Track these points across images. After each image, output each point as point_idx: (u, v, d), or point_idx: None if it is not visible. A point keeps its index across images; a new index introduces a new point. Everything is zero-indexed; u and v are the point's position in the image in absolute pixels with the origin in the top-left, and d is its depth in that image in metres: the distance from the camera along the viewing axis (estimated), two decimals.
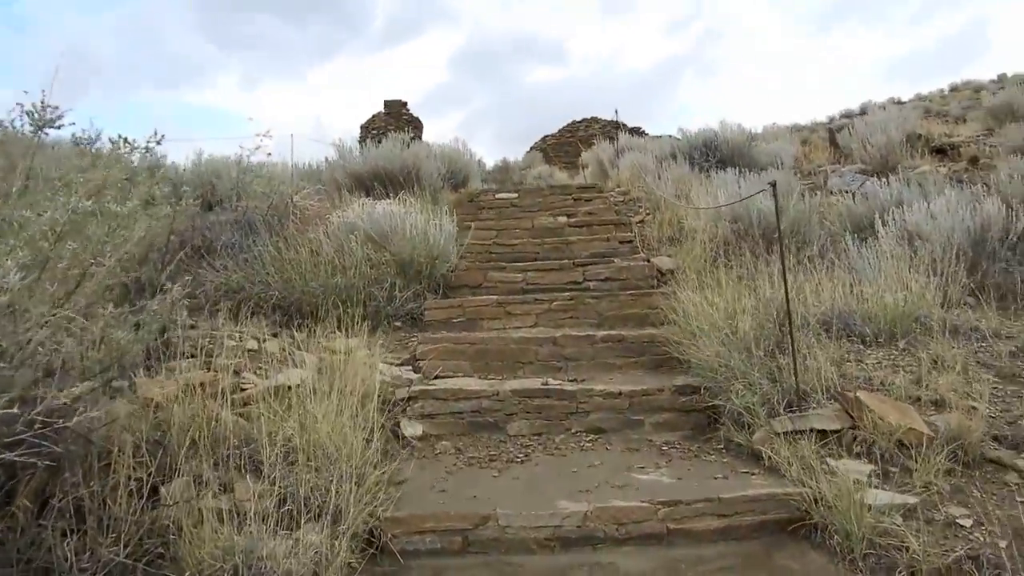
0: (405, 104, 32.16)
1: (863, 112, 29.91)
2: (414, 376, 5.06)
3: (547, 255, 7.20)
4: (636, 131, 33.23)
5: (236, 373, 4.26)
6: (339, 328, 5.80)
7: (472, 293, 6.56)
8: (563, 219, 8.29)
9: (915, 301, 5.08)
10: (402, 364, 5.40)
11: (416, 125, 32.66)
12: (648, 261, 6.73)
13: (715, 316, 4.89)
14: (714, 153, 10.91)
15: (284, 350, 4.69)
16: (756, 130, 27.83)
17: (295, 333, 5.68)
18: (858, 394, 3.75)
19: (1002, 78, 29.12)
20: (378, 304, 6.11)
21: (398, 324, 6.12)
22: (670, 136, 31.23)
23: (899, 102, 30.05)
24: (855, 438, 3.68)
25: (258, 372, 4.41)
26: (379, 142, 11.16)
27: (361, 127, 32.79)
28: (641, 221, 8.06)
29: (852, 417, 3.72)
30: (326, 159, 11.08)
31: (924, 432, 3.55)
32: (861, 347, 4.81)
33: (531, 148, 32.30)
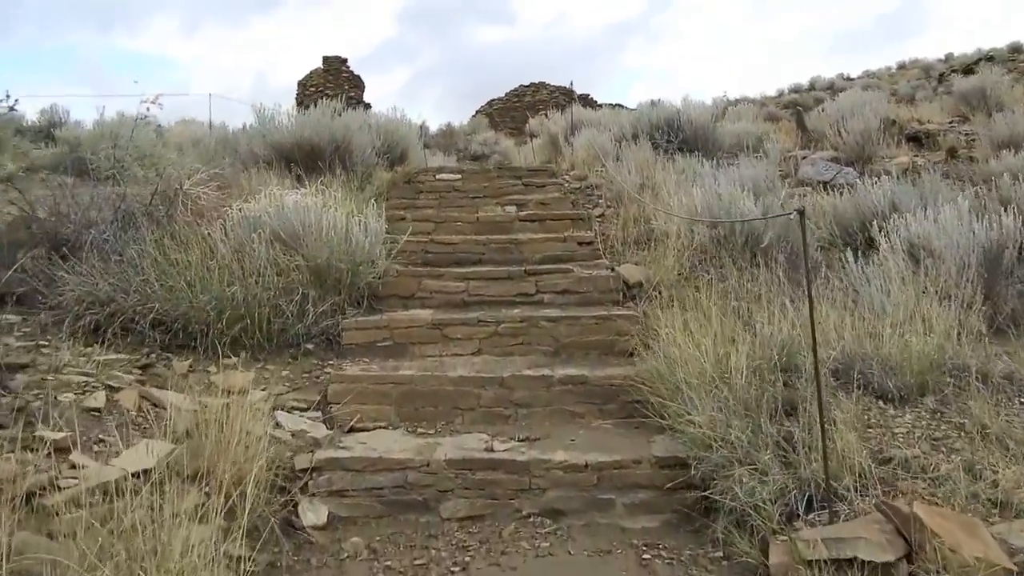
0: (345, 61, 30.36)
1: (812, 87, 29.31)
2: (321, 434, 3.87)
3: (493, 257, 6.03)
4: (585, 98, 32.14)
5: (64, 452, 3.03)
6: (233, 352, 4.61)
7: (403, 305, 5.38)
8: (512, 210, 7.13)
9: (940, 343, 4.11)
10: (310, 409, 4.22)
11: (356, 84, 30.92)
12: (612, 270, 5.63)
13: (703, 362, 3.83)
14: (676, 133, 9.87)
15: (141, 407, 3.46)
16: (706, 102, 27.02)
17: (175, 362, 4.46)
18: (916, 510, 2.72)
19: (949, 57, 28.79)
20: (286, 321, 4.89)
21: (310, 347, 4.91)
22: (624, 107, 30.34)
23: (848, 78, 29.54)
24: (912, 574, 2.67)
25: (97, 447, 3.18)
26: (307, 107, 9.78)
27: (299, 84, 30.94)
28: (602, 216, 6.94)
29: (907, 540, 2.71)
30: (244, 126, 9.66)
31: (1009, 568, 2.56)
32: (883, 405, 3.82)
33: (476, 112, 30.95)
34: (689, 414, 3.56)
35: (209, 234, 5.11)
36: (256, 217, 5.24)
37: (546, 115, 27.37)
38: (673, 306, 4.69)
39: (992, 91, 11.15)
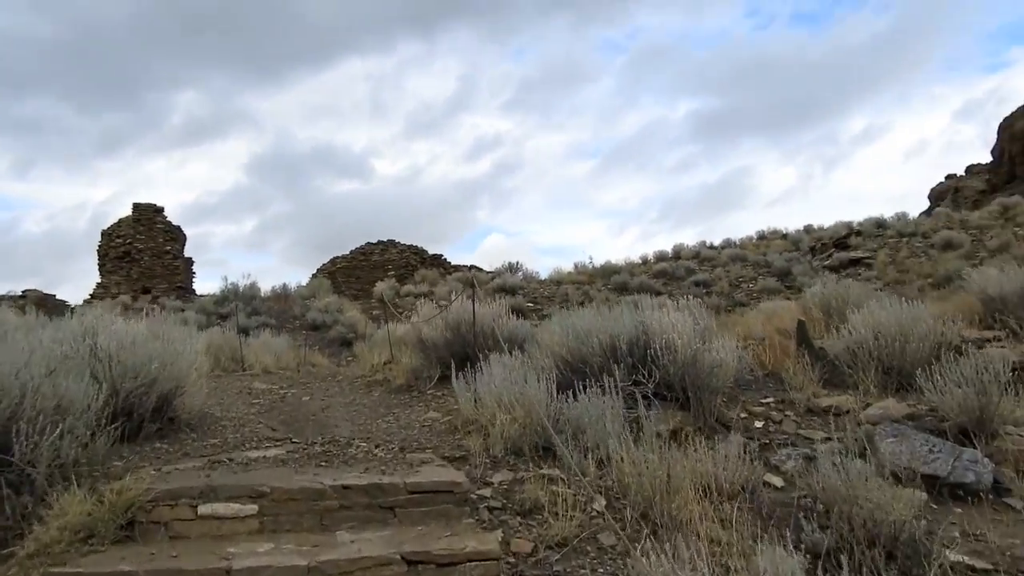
0: (161, 210, 24.81)
1: (678, 255, 26.91)
2: None
3: None
4: (437, 259, 28.18)
5: None
6: None
7: None
8: None
9: None
10: None
11: (175, 236, 25.29)
12: None
13: None
14: (646, 366, 5.60)
15: None
16: (566, 269, 23.21)
17: None
18: None
19: (809, 229, 27.52)
20: None
21: None
22: (480, 269, 26.21)
23: (712, 247, 27.52)
24: None
25: None
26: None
27: (103, 234, 24.85)
28: None
29: None
30: None
31: None
32: None
33: (317, 272, 26.15)
34: None
35: None
36: None
37: (399, 281, 23.08)
38: None
39: None
